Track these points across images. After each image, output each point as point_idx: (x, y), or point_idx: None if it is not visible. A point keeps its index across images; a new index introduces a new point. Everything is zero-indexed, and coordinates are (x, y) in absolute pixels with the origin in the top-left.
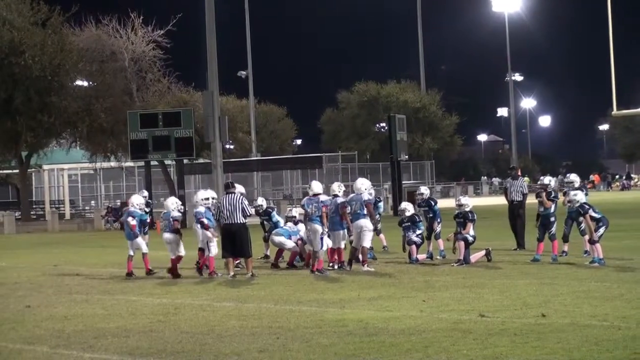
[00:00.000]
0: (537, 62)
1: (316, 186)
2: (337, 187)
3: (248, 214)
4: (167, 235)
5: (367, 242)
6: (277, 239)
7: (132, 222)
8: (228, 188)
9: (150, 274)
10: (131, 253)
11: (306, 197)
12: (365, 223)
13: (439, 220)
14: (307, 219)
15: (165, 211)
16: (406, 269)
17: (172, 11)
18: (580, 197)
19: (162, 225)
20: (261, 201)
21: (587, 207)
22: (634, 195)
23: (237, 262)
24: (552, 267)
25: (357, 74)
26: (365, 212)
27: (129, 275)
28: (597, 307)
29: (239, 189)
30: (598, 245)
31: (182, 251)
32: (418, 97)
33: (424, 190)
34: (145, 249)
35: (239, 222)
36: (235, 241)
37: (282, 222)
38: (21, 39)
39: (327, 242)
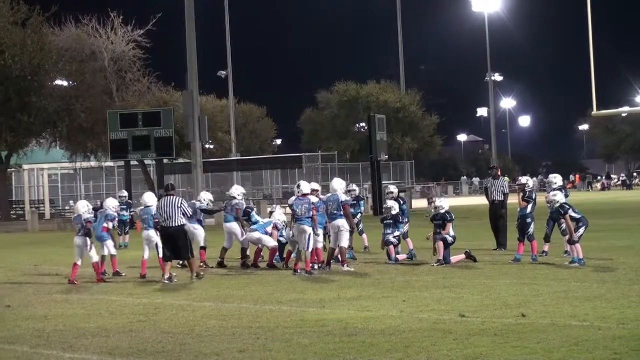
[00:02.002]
0: (517, 62)
1: (305, 187)
2: (338, 185)
3: (188, 215)
4: (77, 240)
5: (344, 242)
6: (255, 235)
7: (108, 225)
8: (167, 190)
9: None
10: (105, 253)
11: (294, 198)
12: (342, 223)
13: (406, 220)
14: (295, 219)
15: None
16: (386, 269)
17: (152, 11)
18: (560, 197)
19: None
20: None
21: (567, 207)
22: (614, 196)
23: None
24: (532, 267)
25: (337, 74)
26: (342, 212)
27: (117, 274)
28: (578, 307)
29: (239, 190)
30: (578, 245)
31: (95, 257)
32: (398, 97)
33: (393, 189)
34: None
35: (177, 224)
36: (174, 244)
37: (261, 221)
38: (1, 38)
39: (313, 243)
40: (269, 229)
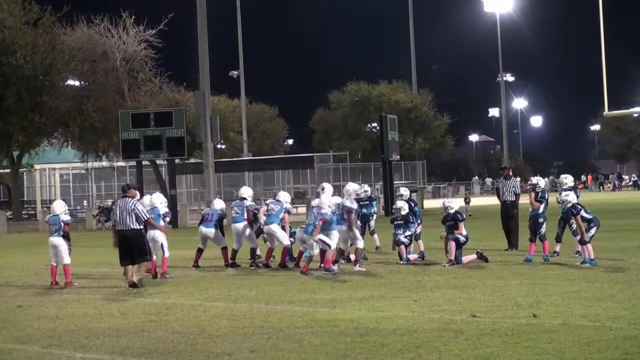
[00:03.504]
0: (528, 62)
1: (329, 189)
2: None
3: (143, 218)
4: (53, 240)
5: (360, 243)
6: (273, 227)
7: (163, 222)
8: (124, 191)
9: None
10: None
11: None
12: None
13: (419, 221)
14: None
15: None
16: (397, 269)
17: (164, 11)
18: (571, 197)
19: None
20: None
21: (579, 207)
22: (625, 196)
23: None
24: (543, 267)
25: (348, 74)
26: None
27: (159, 275)
28: (589, 307)
29: (249, 191)
30: (589, 245)
31: (67, 259)
32: (410, 97)
33: (404, 191)
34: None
35: (132, 227)
36: (130, 248)
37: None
38: (12, 38)
39: (333, 242)
40: (281, 215)
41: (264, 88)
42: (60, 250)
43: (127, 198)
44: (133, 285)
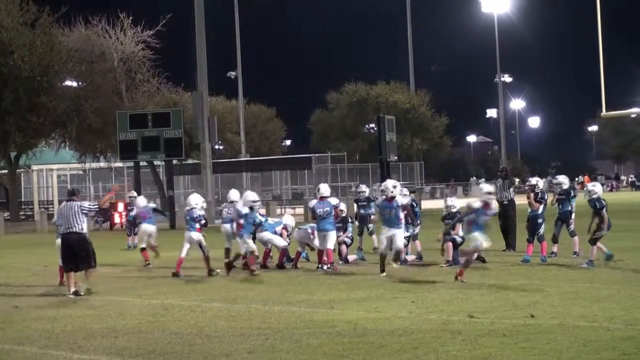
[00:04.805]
0: (526, 63)
1: (325, 189)
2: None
3: (93, 209)
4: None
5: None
6: (266, 235)
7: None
8: (70, 195)
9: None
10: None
11: (315, 201)
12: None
13: (418, 221)
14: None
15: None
16: (395, 270)
17: (162, 11)
18: (598, 189)
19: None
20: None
21: (603, 202)
22: (623, 196)
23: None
24: (541, 268)
25: (346, 75)
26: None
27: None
28: (586, 308)
29: (252, 196)
30: (595, 246)
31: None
32: (407, 98)
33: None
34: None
35: (76, 231)
36: (74, 253)
37: (271, 221)
38: (10, 39)
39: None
40: (279, 229)
41: (261, 89)
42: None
43: (72, 202)
44: (76, 293)
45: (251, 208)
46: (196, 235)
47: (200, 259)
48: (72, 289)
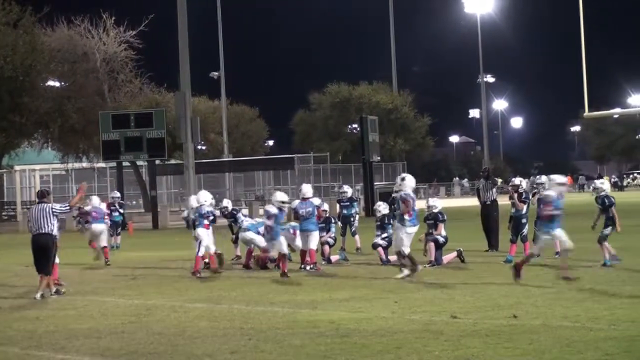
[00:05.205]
0: (509, 63)
1: (307, 190)
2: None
3: (65, 210)
4: None
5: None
6: (248, 235)
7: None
8: (40, 197)
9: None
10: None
11: (298, 201)
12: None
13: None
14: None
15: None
16: (378, 270)
17: (144, 12)
18: (607, 186)
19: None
20: (226, 203)
21: (612, 199)
22: None
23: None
24: (524, 268)
25: (329, 75)
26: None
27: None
28: (569, 308)
29: (280, 196)
30: (606, 244)
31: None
32: (390, 98)
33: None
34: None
35: (46, 232)
36: (42, 255)
37: (253, 222)
38: None
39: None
40: (262, 229)
41: (244, 89)
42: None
43: (44, 203)
44: (57, 292)
45: (280, 209)
46: (203, 232)
47: (192, 259)
48: (53, 289)
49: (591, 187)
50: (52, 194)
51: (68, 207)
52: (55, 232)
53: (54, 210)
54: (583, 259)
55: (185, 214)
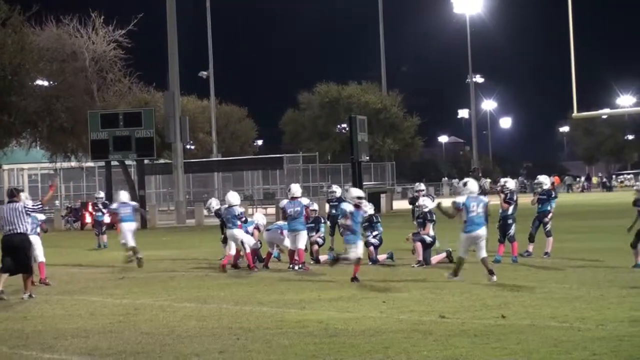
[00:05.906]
0: (498, 64)
1: (295, 189)
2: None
3: (37, 209)
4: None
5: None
6: (236, 232)
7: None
8: (10, 196)
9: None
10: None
11: (286, 201)
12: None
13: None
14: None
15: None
16: (366, 270)
17: (133, 11)
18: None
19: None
20: (215, 203)
21: None
22: (594, 197)
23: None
24: (512, 268)
25: (318, 75)
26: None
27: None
28: (557, 308)
29: (355, 192)
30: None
31: (41, 257)
32: (379, 98)
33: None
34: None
35: (20, 232)
36: (15, 255)
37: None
38: None
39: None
40: (250, 229)
41: (233, 89)
42: (35, 248)
43: (14, 202)
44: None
45: (357, 206)
46: (239, 232)
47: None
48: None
49: (634, 188)
50: (41, 193)
51: (41, 205)
52: (29, 230)
53: (26, 208)
54: (571, 257)
55: (215, 205)
